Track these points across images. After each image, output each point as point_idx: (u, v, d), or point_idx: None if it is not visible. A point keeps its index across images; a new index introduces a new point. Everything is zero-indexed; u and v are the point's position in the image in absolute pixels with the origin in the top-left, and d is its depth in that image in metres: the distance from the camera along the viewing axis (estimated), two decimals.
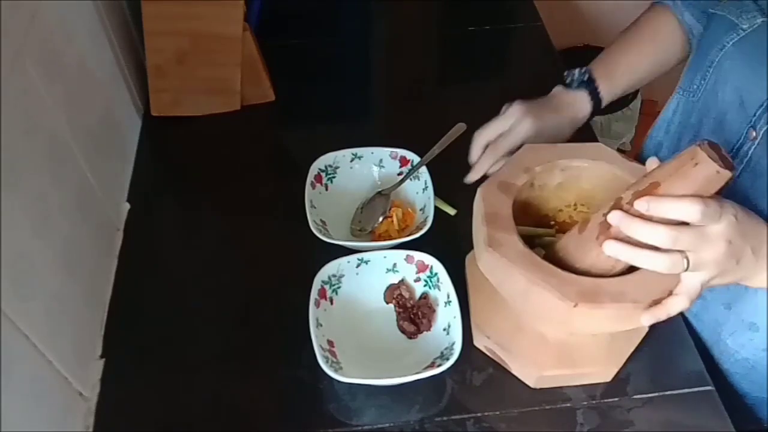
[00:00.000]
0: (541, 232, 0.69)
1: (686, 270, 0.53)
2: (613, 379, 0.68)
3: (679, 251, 0.52)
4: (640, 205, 0.52)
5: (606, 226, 0.56)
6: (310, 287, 0.69)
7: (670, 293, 0.56)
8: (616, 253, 0.54)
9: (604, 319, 0.57)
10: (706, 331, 0.75)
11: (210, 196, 0.87)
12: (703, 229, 0.52)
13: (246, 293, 0.76)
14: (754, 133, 0.64)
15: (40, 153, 0.63)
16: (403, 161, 0.84)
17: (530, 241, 0.62)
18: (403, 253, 0.73)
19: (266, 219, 0.84)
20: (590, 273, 0.59)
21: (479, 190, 0.63)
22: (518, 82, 1.04)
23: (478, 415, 0.66)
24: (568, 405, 0.67)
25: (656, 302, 0.56)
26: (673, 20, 0.81)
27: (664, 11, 0.82)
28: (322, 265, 0.71)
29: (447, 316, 0.69)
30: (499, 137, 0.76)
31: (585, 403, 0.67)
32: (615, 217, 0.53)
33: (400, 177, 0.83)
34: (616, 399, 0.67)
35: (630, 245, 0.53)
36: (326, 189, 0.83)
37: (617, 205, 0.55)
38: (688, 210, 0.50)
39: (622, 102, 1.83)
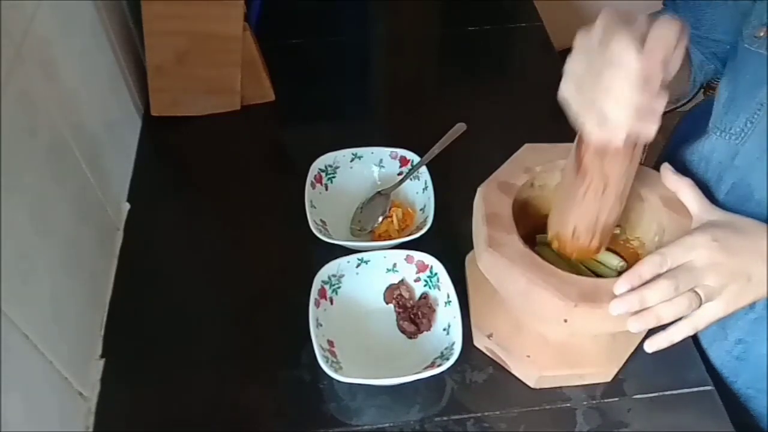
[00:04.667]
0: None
1: (703, 301, 0.54)
2: (613, 379, 0.68)
3: (688, 291, 0.54)
4: (622, 286, 0.54)
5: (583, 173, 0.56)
6: (310, 287, 0.69)
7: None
8: (640, 326, 0.55)
9: (604, 319, 0.57)
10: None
11: (210, 196, 0.87)
12: (688, 264, 0.54)
13: (246, 293, 0.76)
14: None
15: (40, 153, 0.63)
16: (403, 161, 0.84)
17: (530, 241, 0.62)
18: (403, 253, 0.73)
19: (266, 219, 0.84)
20: (576, 229, 0.60)
21: (479, 190, 0.63)
22: (518, 82, 1.04)
23: (478, 415, 0.66)
24: (568, 405, 0.67)
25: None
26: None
27: None
28: (322, 265, 0.71)
29: (447, 316, 0.69)
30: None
31: (585, 403, 0.67)
32: (619, 308, 0.55)
33: (400, 177, 0.83)
34: (616, 399, 0.67)
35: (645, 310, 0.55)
36: (326, 189, 0.83)
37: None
38: (650, 266, 0.54)
39: None
